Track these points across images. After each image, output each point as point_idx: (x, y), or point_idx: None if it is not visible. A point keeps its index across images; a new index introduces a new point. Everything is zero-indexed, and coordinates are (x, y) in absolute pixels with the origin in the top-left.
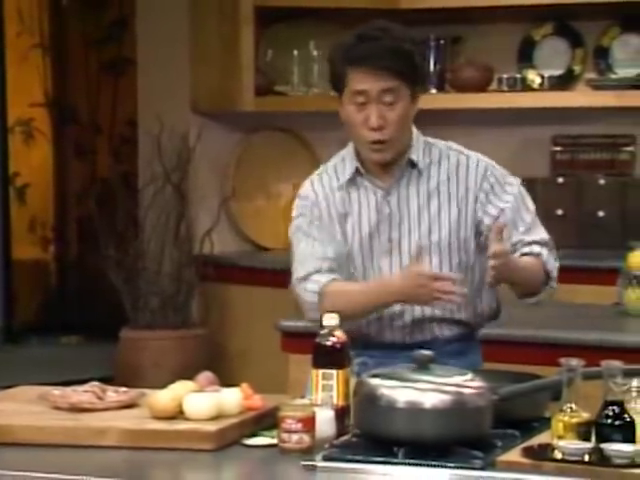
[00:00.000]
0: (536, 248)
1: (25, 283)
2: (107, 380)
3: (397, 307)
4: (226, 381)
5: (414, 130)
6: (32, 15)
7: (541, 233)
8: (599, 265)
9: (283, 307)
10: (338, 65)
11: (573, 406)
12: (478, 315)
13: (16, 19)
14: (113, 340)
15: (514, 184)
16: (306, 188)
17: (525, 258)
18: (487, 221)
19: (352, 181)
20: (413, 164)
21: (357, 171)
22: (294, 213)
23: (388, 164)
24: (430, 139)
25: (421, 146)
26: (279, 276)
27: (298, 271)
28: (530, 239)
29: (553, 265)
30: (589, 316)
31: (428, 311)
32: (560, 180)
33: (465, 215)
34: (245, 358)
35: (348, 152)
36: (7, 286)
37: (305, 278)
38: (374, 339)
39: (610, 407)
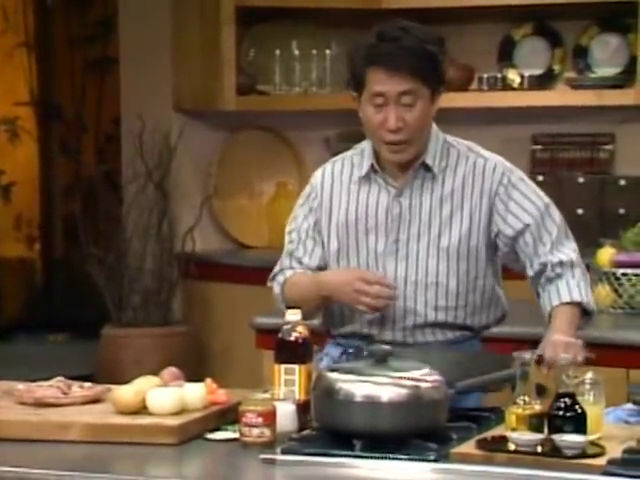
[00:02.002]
0: (565, 293)
1: (11, 281)
2: (88, 378)
3: (400, 310)
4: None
5: (434, 129)
6: (17, 13)
7: (567, 248)
8: None
9: (264, 305)
10: (357, 65)
11: (526, 398)
12: (484, 322)
13: (0, 17)
14: (100, 338)
15: (536, 191)
16: (316, 176)
17: (561, 315)
18: (510, 233)
19: (366, 177)
20: (427, 167)
21: (372, 168)
22: (299, 199)
23: (405, 164)
24: (450, 138)
25: (439, 148)
26: (261, 274)
27: (277, 265)
28: (557, 260)
29: (586, 295)
30: None
31: (431, 317)
32: (540, 178)
33: (478, 223)
34: (227, 355)
35: (367, 146)
36: None
37: (278, 273)
38: (375, 338)
39: (562, 399)
